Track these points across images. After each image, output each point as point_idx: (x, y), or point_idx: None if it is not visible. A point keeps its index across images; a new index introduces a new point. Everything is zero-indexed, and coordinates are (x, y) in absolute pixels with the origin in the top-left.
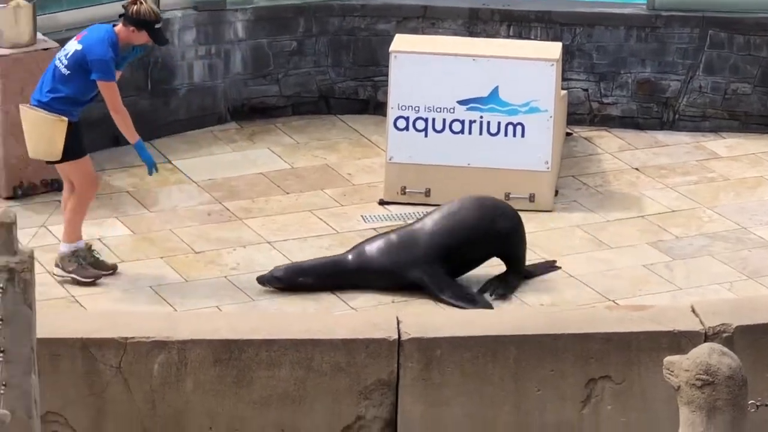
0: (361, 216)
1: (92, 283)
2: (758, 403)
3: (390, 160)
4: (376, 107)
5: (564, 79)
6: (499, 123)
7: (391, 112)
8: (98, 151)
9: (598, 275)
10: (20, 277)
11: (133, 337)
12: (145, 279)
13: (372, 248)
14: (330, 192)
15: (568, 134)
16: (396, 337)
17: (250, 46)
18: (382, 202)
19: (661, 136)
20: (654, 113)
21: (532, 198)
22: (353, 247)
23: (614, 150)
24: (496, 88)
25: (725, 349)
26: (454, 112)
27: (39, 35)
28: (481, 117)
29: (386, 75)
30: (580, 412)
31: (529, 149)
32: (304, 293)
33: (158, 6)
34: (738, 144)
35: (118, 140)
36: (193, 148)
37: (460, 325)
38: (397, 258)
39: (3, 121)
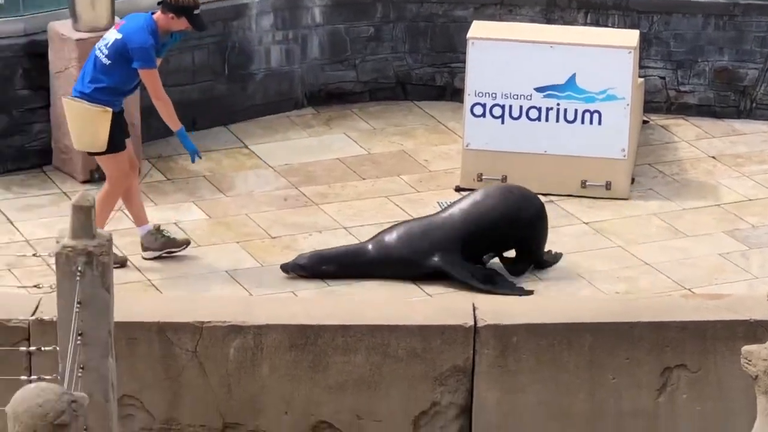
0: (438, 202)
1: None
2: None
3: (467, 146)
4: (453, 94)
5: (641, 67)
6: (576, 110)
7: (468, 99)
8: (174, 135)
9: (674, 264)
10: (98, 261)
11: (209, 322)
12: (221, 263)
13: (392, 237)
14: (406, 178)
15: (644, 122)
16: (472, 323)
17: (327, 31)
18: (458, 189)
19: (738, 124)
20: (731, 101)
21: (608, 186)
22: (374, 236)
23: (691, 138)
24: (573, 75)
25: None
26: (531, 99)
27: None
28: (558, 104)
29: (463, 61)
30: (656, 401)
31: (606, 137)
32: (380, 280)
33: None
34: None
35: (194, 124)
36: (269, 133)
37: (535, 313)
38: (416, 247)
39: None
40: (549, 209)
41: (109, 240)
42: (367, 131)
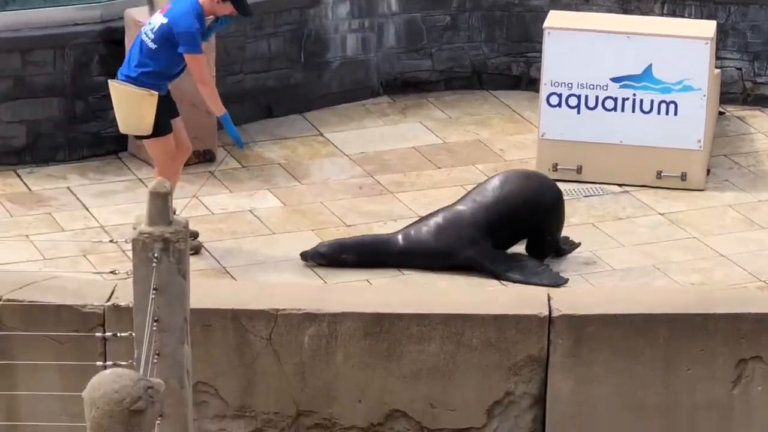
0: None
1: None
2: None
3: (542, 136)
4: (529, 83)
5: (717, 58)
6: (651, 101)
7: (544, 89)
8: (250, 122)
9: (750, 255)
10: (175, 247)
11: (284, 309)
12: (296, 251)
13: (420, 230)
14: (481, 167)
15: (720, 113)
16: (547, 313)
17: (403, 20)
18: None
19: None
20: None
21: (683, 176)
22: (401, 229)
23: (767, 130)
24: (650, 65)
25: None
26: (607, 90)
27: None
28: (634, 94)
29: (539, 51)
30: (731, 393)
31: (682, 128)
32: (448, 271)
33: None
34: None
35: (270, 112)
36: (344, 122)
37: (611, 303)
38: (446, 239)
39: None
40: (624, 200)
41: (186, 226)
42: (443, 120)
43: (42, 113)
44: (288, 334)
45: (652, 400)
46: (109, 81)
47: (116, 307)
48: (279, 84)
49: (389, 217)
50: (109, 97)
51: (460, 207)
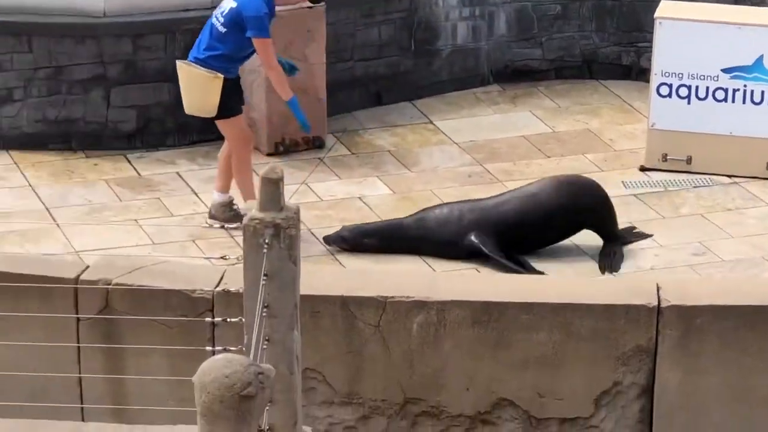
0: (622, 182)
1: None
2: None
3: (652, 126)
4: (639, 73)
5: None
6: (762, 92)
7: (655, 79)
8: (359, 110)
9: None
10: (286, 234)
11: (393, 297)
12: None
13: (432, 217)
14: (591, 157)
15: None
16: (656, 303)
17: (514, 8)
18: (642, 169)
19: None
20: None
21: None
22: (416, 213)
23: None
24: (761, 56)
25: None
26: (717, 80)
27: None
28: (745, 86)
29: (650, 41)
30: None
31: None
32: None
33: None
34: None
35: (380, 99)
36: (454, 110)
37: (720, 294)
38: (455, 228)
39: (266, 77)
40: (733, 191)
41: (297, 213)
42: (553, 109)
43: (152, 98)
44: (396, 322)
45: (761, 391)
46: (177, 61)
47: (226, 293)
48: (389, 71)
49: None
50: None
51: (484, 202)
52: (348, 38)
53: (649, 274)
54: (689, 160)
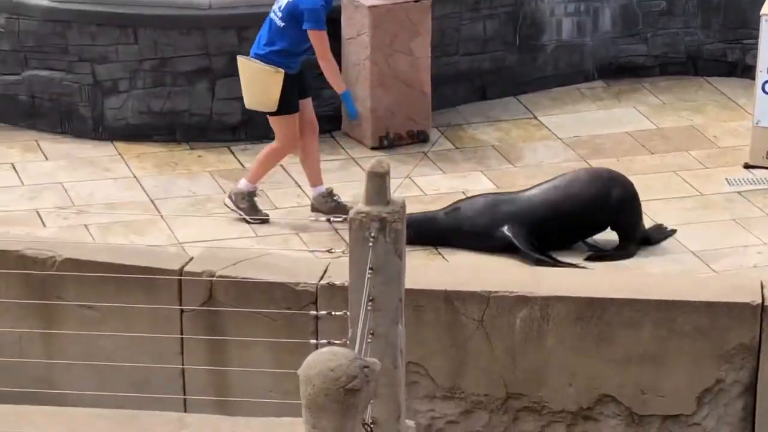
0: (726, 179)
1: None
2: None
3: (757, 123)
4: (744, 70)
5: None
6: None
7: (760, 76)
8: (464, 104)
9: None
10: (392, 227)
11: (496, 291)
12: None
13: (466, 208)
14: (695, 154)
15: None
16: (759, 301)
17: (619, 4)
18: (747, 166)
19: None
20: None
21: None
22: (450, 205)
23: None
24: None
25: None
26: None
27: None
28: None
29: (756, 38)
30: None
31: None
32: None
33: None
34: None
35: (484, 94)
36: (558, 105)
37: None
38: (488, 220)
39: (371, 71)
40: None
41: (403, 207)
42: (657, 106)
43: None
44: (500, 317)
45: None
46: (238, 57)
47: (330, 286)
48: (493, 66)
49: None
50: (323, 76)
51: (519, 193)
52: (453, 32)
53: (753, 272)
54: None
